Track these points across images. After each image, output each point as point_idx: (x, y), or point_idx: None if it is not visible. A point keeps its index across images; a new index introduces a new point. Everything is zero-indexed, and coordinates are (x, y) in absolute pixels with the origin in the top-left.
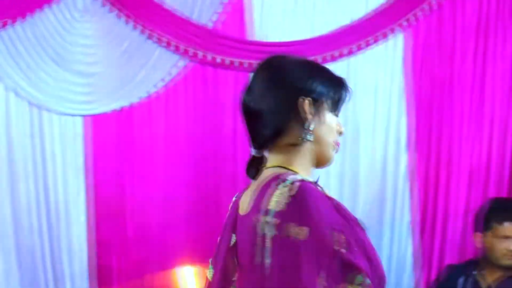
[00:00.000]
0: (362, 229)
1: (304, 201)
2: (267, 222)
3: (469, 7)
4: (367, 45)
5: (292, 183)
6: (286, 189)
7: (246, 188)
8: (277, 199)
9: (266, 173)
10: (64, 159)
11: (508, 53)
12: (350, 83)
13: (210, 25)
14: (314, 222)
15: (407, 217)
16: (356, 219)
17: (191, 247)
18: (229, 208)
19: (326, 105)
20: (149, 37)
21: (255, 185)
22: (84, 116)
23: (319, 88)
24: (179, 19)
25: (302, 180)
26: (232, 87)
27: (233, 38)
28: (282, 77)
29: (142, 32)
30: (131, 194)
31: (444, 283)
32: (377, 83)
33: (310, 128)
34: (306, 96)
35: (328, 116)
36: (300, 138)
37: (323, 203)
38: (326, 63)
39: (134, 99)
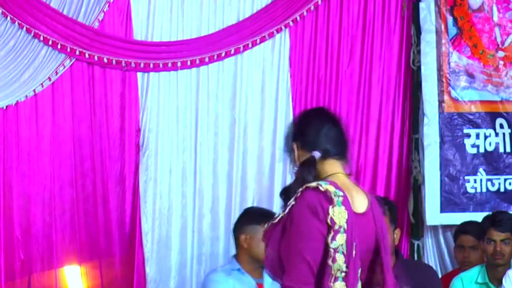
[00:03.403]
0: None
1: None
2: None
3: (355, 9)
4: (254, 44)
5: None
6: None
7: (340, 188)
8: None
9: (348, 180)
10: None
11: (395, 56)
12: (237, 83)
13: (96, 24)
14: None
15: None
16: None
17: (77, 247)
18: (344, 208)
19: None
20: (36, 36)
21: (352, 188)
22: None
23: None
24: (66, 18)
25: None
26: (119, 87)
27: (119, 38)
28: None
29: (28, 31)
30: (17, 193)
31: None
32: (264, 82)
33: None
34: None
35: None
36: None
37: None
38: (213, 62)
39: (21, 98)
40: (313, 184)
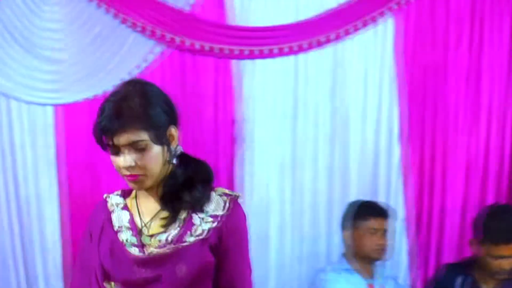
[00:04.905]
0: None
1: None
2: None
3: None
4: (356, 30)
5: None
6: None
7: None
8: None
9: None
10: (35, 152)
11: (506, 39)
12: (338, 71)
13: (187, 8)
14: None
15: (401, 213)
16: None
17: None
18: None
19: None
20: (123, 21)
21: None
22: (54, 105)
23: None
24: (155, 2)
25: None
26: (212, 75)
27: (212, 22)
28: None
29: (116, 16)
30: (106, 187)
31: (441, 283)
32: (367, 70)
33: None
34: None
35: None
36: None
37: None
38: (312, 49)
39: (108, 87)
40: (237, 193)
